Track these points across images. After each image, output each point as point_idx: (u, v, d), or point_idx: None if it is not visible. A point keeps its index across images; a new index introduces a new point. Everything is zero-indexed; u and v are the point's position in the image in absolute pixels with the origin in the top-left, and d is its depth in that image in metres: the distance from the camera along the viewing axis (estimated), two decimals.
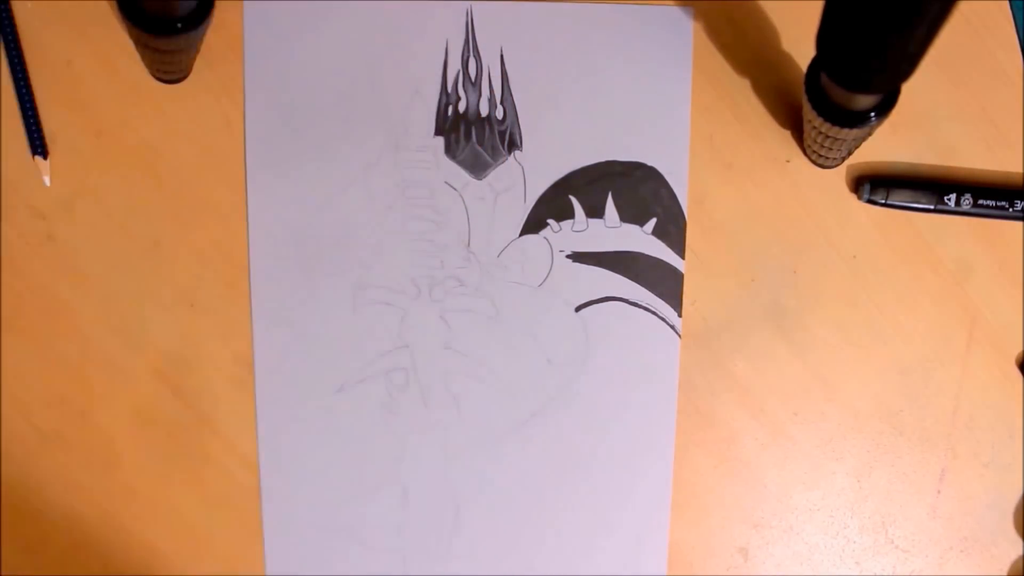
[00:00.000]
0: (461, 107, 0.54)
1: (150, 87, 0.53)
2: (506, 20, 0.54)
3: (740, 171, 0.55)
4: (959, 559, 0.56)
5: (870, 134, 0.49)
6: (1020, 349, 0.56)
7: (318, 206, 0.54)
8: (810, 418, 0.56)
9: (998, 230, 0.55)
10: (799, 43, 0.54)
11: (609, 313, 0.55)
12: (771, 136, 0.55)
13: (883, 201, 0.54)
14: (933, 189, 0.54)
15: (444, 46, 0.54)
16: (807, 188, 0.55)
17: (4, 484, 0.54)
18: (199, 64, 0.52)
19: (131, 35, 0.48)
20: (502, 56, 0.54)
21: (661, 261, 0.55)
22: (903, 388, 0.56)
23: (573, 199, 0.54)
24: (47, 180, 0.53)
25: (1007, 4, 0.54)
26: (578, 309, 0.55)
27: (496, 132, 0.54)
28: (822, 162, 0.54)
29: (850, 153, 0.52)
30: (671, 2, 0.54)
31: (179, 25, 0.45)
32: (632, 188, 0.54)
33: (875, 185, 0.54)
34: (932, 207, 0.54)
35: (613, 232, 0.54)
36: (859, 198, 0.55)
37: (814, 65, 0.47)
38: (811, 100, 0.48)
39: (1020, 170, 0.55)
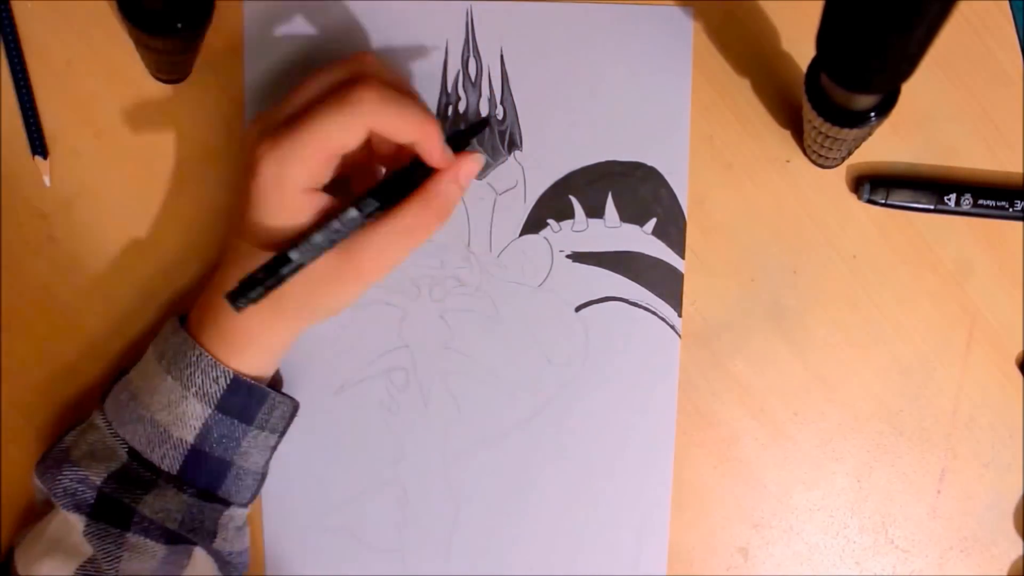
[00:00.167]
0: (461, 107, 0.54)
1: (150, 87, 0.53)
2: (506, 20, 0.54)
3: (740, 171, 0.55)
4: (959, 559, 0.56)
5: (870, 134, 0.49)
6: (1020, 349, 0.56)
7: None
8: (810, 418, 0.56)
9: (998, 230, 0.55)
10: (799, 43, 0.54)
11: (609, 313, 0.55)
12: (771, 136, 0.55)
13: (883, 201, 0.54)
14: (933, 189, 0.54)
15: (444, 46, 0.54)
16: (807, 188, 0.55)
17: (4, 484, 0.54)
18: (199, 64, 0.52)
19: (131, 35, 0.48)
20: (502, 56, 0.54)
21: (661, 261, 0.55)
22: (903, 388, 0.56)
23: (573, 199, 0.54)
24: (47, 180, 0.53)
25: (1007, 4, 0.54)
26: (578, 309, 0.55)
27: (496, 132, 0.54)
28: (822, 162, 0.54)
29: (850, 153, 0.52)
30: (671, 2, 0.54)
31: (179, 25, 0.45)
32: (632, 188, 0.54)
33: (875, 185, 0.54)
34: (932, 207, 0.54)
35: (613, 232, 0.54)
36: (859, 198, 0.54)
37: (814, 65, 0.47)
38: (811, 100, 0.48)
39: (1020, 170, 0.55)
